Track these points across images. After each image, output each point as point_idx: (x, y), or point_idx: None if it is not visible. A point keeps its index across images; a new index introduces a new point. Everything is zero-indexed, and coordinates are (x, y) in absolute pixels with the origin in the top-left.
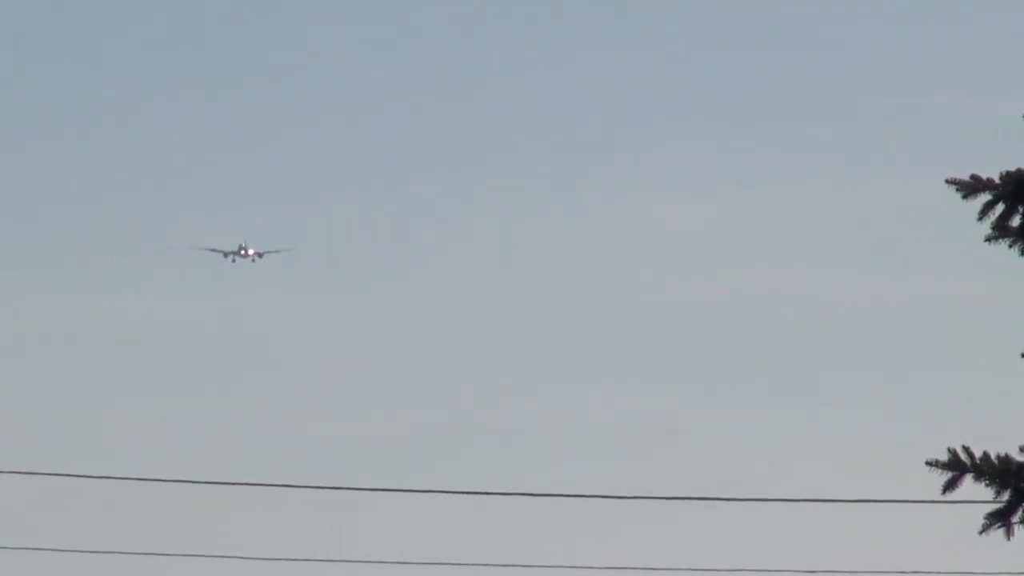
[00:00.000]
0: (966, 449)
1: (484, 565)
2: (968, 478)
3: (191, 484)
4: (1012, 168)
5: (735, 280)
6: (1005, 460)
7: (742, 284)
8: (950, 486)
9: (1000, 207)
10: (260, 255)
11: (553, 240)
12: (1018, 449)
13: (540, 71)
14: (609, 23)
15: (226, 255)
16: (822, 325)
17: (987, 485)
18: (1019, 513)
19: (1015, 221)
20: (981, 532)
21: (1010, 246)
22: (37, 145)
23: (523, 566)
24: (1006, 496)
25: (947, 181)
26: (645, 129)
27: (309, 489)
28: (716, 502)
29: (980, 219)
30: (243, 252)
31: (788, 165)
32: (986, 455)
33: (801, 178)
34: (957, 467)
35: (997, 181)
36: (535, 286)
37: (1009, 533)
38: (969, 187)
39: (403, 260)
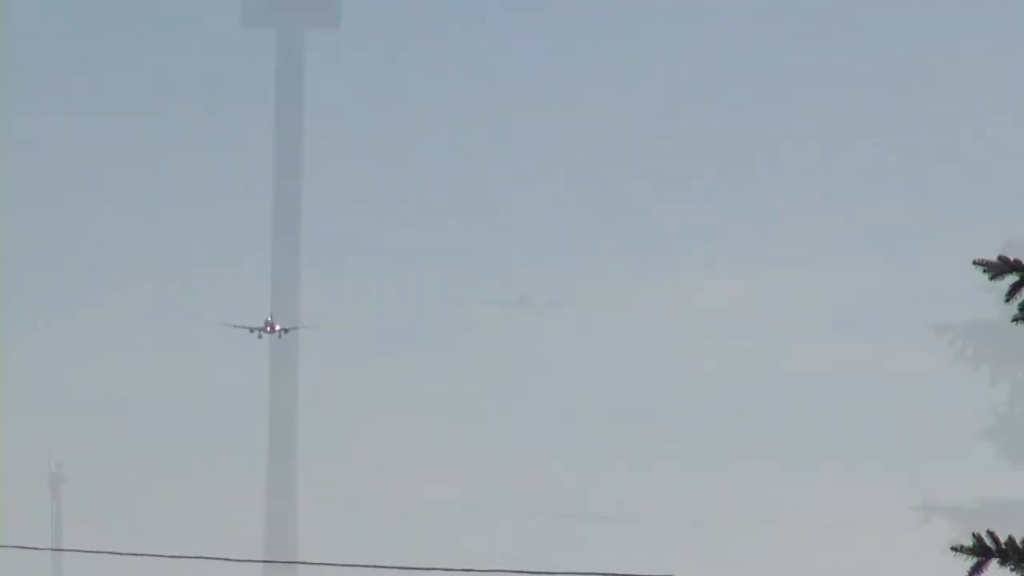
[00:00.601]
0: (991, 534)
1: None
2: (993, 563)
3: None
4: None
5: (753, 354)
6: None
7: (763, 358)
8: (976, 571)
9: None
10: (286, 331)
11: (576, 312)
12: None
13: (564, 138)
14: (647, 92)
15: (252, 331)
16: (841, 400)
17: (1012, 570)
18: None
19: None
20: None
21: None
22: (55, 213)
23: None
24: None
25: (974, 262)
26: (673, 202)
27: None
28: None
29: (1007, 300)
30: (269, 328)
31: (806, 239)
32: (1011, 540)
33: (821, 251)
34: (982, 552)
35: None
36: (565, 360)
37: None
38: (996, 268)
39: (421, 333)
